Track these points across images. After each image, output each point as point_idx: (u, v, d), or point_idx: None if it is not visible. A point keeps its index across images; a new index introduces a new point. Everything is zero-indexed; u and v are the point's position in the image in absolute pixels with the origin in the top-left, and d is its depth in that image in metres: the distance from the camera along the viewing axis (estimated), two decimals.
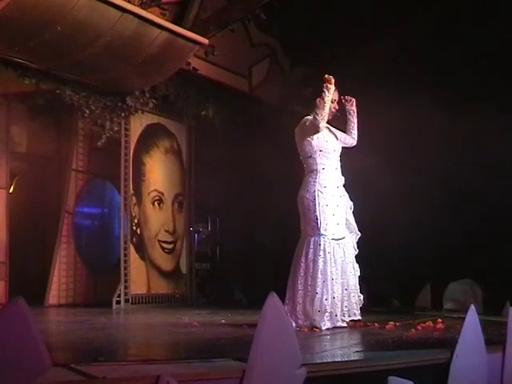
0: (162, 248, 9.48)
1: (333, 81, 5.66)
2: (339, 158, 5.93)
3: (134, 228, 9.04)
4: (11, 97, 8.64)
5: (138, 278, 8.97)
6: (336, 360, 3.61)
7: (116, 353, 4.22)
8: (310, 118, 5.78)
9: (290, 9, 8.96)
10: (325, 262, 5.61)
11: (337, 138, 5.95)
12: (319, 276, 5.58)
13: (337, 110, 5.89)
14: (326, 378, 3.16)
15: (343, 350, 4.27)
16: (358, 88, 6.47)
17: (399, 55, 9.00)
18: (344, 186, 5.92)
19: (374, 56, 9.18)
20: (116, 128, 8.60)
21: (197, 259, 10.26)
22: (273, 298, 2.93)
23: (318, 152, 5.79)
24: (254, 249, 10.70)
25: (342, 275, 5.70)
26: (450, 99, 8.29)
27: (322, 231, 5.64)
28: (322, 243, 5.63)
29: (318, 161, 5.78)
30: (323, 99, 5.61)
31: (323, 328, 5.48)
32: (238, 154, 10.23)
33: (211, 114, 9.67)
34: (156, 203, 9.42)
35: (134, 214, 9.04)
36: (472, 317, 3.74)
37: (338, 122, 6.02)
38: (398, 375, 3.33)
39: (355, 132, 6.06)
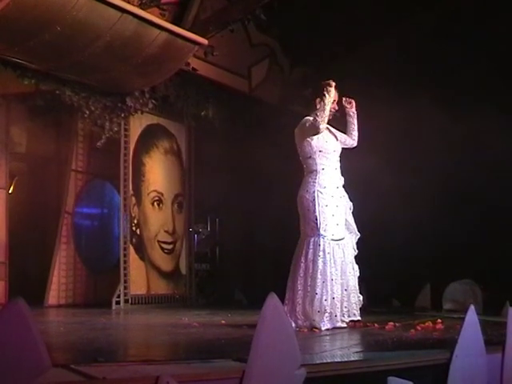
0: (162, 248, 9.48)
1: (333, 84, 5.67)
2: (339, 159, 5.93)
3: (134, 228, 9.04)
4: (11, 97, 8.64)
5: (137, 278, 8.97)
6: (336, 360, 3.61)
7: (116, 353, 4.21)
8: (310, 118, 5.78)
9: (289, 9, 8.96)
10: (324, 263, 5.60)
11: (336, 139, 5.95)
12: (319, 276, 5.57)
13: (336, 110, 5.89)
14: (325, 379, 3.16)
15: (343, 351, 4.26)
16: (358, 88, 6.48)
17: (399, 55, 8.99)
18: (344, 186, 5.92)
19: (374, 56, 9.18)
20: (116, 128, 8.60)
21: (196, 260, 10.26)
22: (272, 299, 2.93)
23: (318, 152, 5.79)
24: (254, 249, 10.70)
25: (341, 276, 5.70)
26: (450, 99, 8.30)
27: (322, 232, 5.64)
28: (321, 244, 5.63)
29: (318, 161, 5.78)
30: (324, 101, 5.62)
31: (323, 328, 5.48)
32: (237, 154, 10.23)
33: (211, 114, 9.66)
34: (156, 204, 9.42)
35: (133, 215, 9.04)
36: (472, 317, 3.74)
37: (338, 122, 6.03)
38: (397, 376, 3.32)
39: (355, 133, 6.06)
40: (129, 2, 7.22)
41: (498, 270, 7.94)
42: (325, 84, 5.68)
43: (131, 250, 8.93)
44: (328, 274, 5.60)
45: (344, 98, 5.98)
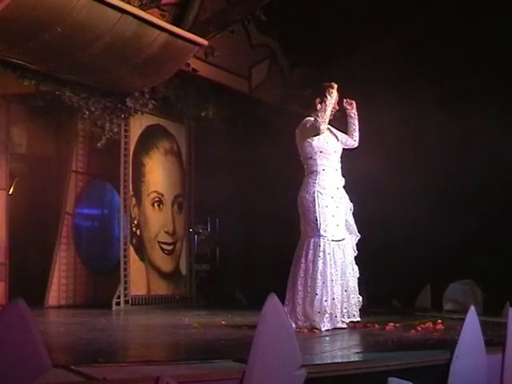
0: (162, 249, 9.48)
1: (335, 86, 5.67)
2: (340, 159, 5.93)
3: (134, 229, 9.04)
4: (11, 98, 8.63)
5: (137, 279, 8.96)
6: (336, 361, 3.61)
7: (116, 354, 4.21)
8: (310, 119, 5.78)
9: (289, 9, 8.96)
10: (324, 263, 5.61)
11: (337, 139, 5.96)
12: (319, 277, 5.58)
13: (337, 110, 5.89)
14: (325, 379, 3.15)
15: (343, 351, 4.26)
16: (358, 88, 6.48)
17: (399, 55, 8.99)
18: (344, 187, 5.92)
19: (374, 56, 9.19)
20: (116, 129, 8.59)
21: (197, 260, 10.25)
22: (273, 299, 2.93)
23: (319, 153, 5.80)
24: (254, 249, 10.70)
25: (341, 276, 5.70)
26: (450, 99, 8.30)
27: (322, 232, 5.64)
28: (321, 244, 5.63)
29: (319, 162, 5.79)
30: (325, 103, 5.63)
31: (323, 329, 5.48)
32: (237, 154, 10.22)
33: (211, 114, 9.66)
34: (156, 204, 9.42)
35: (133, 215, 9.03)
36: (472, 318, 3.74)
37: (339, 122, 6.03)
38: (397, 376, 3.32)
39: (356, 134, 6.07)
40: (129, 3, 7.22)
41: (498, 271, 7.94)
42: (327, 86, 5.69)
43: (131, 250, 8.92)
44: (328, 274, 5.60)
45: (345, 100, 5.99)
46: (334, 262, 5.66)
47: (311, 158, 5.81)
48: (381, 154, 8.00)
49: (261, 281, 9.73)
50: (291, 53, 10.28)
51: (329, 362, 3.61)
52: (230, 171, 10.36)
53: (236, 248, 10.85)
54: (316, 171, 5.78)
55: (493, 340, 4.22)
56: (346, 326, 5.67)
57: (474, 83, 8.22)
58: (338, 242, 5.72)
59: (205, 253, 10.75)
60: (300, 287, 5.62)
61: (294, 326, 5.34)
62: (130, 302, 8.71)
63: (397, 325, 5.71)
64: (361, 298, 5.86)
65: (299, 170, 5.95)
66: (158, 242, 9.42)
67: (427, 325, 5.63)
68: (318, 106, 5.72)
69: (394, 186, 8.38)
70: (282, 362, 2.91)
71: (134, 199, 9.05)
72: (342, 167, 5.92)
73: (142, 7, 7.50)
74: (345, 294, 5.72)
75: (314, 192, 5.70)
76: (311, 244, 5.66)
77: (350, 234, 5.90)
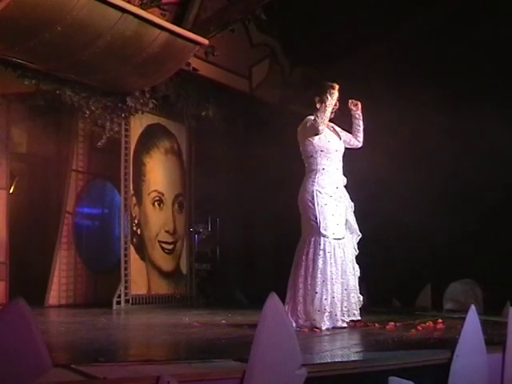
0: (163, 248, 9.48)
1: (337, 87, 5.67)
2: (341, 159, 5.93)
3: (135, 228, 9.04)
4: (11, 97, 8.64)
5: (138, 278, 8.97)
6: (336, 360, 3.61)
7: (116, 353, 4.21)
8: (311, 118, 5.78)
9: (289, 9, 8.96)
10: (324, 262, 5.61)
11: (340, 138, 5.95)
12: (319, 276, 5.58)
13: (338, 108, 5.88)
14: (326, 379, 3.16)
15: (343, 351, 4.27)
16: (358, 88, 6.47)
17: (399, 55, 8.99)
18: (345, 186, 5.92)
19: (374, 56, 9.18)
20: (116, 128, 8.59)
21: (197, 259, 10.25)
22: (273, 299, 2.93)
23: (320, 152, 5.80)
24: (254, 249, 10.70)
25: (341, 275, 5.70)
26: (450, 99, 8.29)
27: (322, 231, 5.64)
28: (321, 243, 5.63)
29: (319, 161, 5.79)
30: (325, 103, 5.62)
31: (323, 328, 5.48)
32: (238, 154, 10.22)
33: (211, 114, 9.66)
34: (156, 204, 9.42)
35: (134, 215, 9.04)
36: (472, 317, 3.74)
37: (341, 121, 6.02)
38: (398, 375, 3.33)
39: (361, 135, 6.08)
40: (129, 2, 7.22)
41: (498, 270, 7.94)
42: (328, 86, 5.67)
43: (132, 250, 8.93)
44: (328, 273, 5.60)
45: (350, 100, 5.99)
46: (335, 260, 5.66)
47: (312, 156, 5.81)
48: (380, 153, 8.00)
49: (261, 280, 9.72)
50: (291, 52, 10.28)
51: (329, 361, 3.61)
52: (230, 170, 10.36)
53: (236, 247, 10.85)
54: (316, 170, 5.78)
55: (493, 339, 4.22)
56: (346, 324, 5.67)
57: (474, 83, 8.21)
58: (338, 241, 5.72)
59: (205, 252, 10.75)
60: (301, 285, 5.62)
61: (294, 324, 5.34)
62: (130, 301, 8.72)
63: (397, 324, 5.71)
64: (361, 297, 5.86)
65: (299, 170, 5.95)
66: (159, 241, 9.42)
67: (428, 324, 5.63)
68: (318, 106, 5.72)
69: (394, 185, 8.37)
70: (283, 361, 2.91)
71: (134, 198, 9.06)
72: (343, 166, 5.91)
73: (142, 6, 7.50)
74: (345, 292, 5.72)
75: (312, 191, 5.71)
76: (311, 242, 5.66)
77: (351, 233, 5.90)
